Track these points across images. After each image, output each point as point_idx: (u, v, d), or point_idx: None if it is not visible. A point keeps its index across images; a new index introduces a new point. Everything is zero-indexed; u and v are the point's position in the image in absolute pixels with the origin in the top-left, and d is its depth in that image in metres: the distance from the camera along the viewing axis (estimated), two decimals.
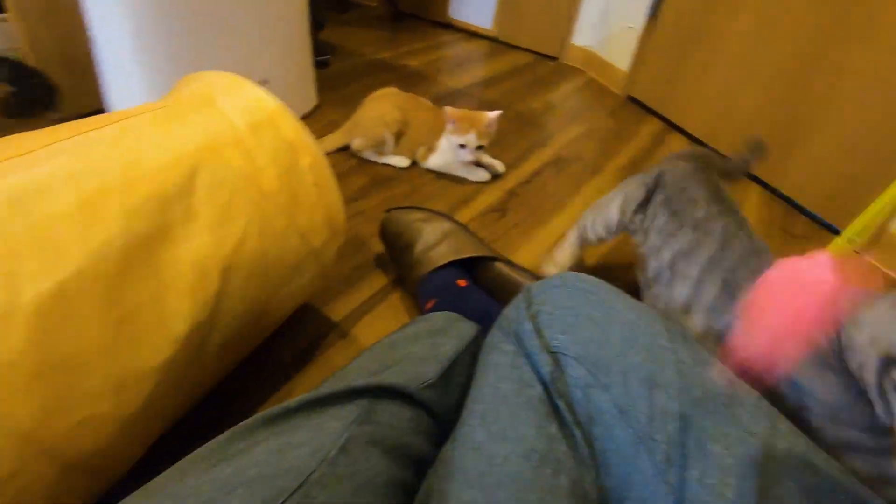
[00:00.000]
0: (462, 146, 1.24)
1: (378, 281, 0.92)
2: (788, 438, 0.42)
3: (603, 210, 0.83)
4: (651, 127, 1.84)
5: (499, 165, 1.35)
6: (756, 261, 0.65)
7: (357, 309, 0.86)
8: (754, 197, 1.48)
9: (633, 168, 1.52)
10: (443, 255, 0.79)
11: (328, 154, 1.29)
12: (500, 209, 1.21)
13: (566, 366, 0.50)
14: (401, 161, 1.30)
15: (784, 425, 0.44)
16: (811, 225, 1.38)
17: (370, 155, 1.29)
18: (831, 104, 1.33)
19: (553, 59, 2.41)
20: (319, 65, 1.82)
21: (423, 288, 0.79)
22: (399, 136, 1.27)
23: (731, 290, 0.63)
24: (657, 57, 1.90)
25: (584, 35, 2.28)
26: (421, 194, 1.22)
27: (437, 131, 1.28)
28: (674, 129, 1.84)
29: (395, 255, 0.87)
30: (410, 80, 1.88)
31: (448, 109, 1.21)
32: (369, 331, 0.83)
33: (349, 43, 2.20)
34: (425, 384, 0.53)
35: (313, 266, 0.68)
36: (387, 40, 2.33)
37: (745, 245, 0.67)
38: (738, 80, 1.58)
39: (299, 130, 0.66)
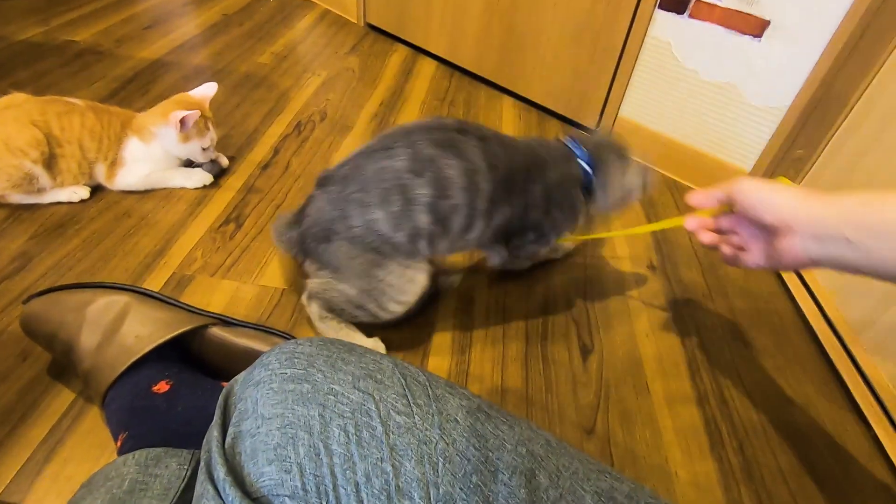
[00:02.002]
0: (206, 148, 1.00)
1: (59, 402, 0.64)
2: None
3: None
4: (398, 56, 1.68)
5: (220, 158, 1.07)
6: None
7: (28, 464, 0.58)
8: (508, 109, 1.45)
9: (386, 113, 1.36)
10: (123, 352, 0.55)
11: None
12: (234, 218, 0.96)
13: None
14: (76, 193, 0.94)
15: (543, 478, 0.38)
16: (562, 127, 1.41)
17: (23, 198, 0.90)
18: (545, 2, 1.31)
19: None
20: None
21: (108, 412, 0.55)
22: (53, 159, 0.90)
23: None
24: None
25: None
26: (120, 232, 0.90)
27: (111, 138, 0.94)
28: (420, 52, 1.71)
29: (62, 365, 0.60)
30: (81, 64, 1.40)
31: (177, 114, 0.92)
32: (59, 487, 0.57)
33: None
34: None
35: None
36: (38, 8, 1.70)
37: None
38: None
39: None
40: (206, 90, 1.01)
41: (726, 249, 0.59)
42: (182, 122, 0.93)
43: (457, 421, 0.42)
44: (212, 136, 1.00)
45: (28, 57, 1.41)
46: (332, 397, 0.41)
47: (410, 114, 1.37)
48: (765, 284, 0.98)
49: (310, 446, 0.38)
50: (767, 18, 0.99)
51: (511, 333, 0.82)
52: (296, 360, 0.44)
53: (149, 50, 1.52)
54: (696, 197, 0.59)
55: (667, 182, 1.23)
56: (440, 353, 0.77)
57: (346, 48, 1.69)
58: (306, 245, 0.69)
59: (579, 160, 0.77)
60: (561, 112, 1.42)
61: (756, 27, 1.01)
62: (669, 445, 0.69)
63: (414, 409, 0.42)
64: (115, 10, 1.73)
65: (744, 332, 0.87)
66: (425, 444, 0.39)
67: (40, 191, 0.91)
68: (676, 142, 1.21)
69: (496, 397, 0.72)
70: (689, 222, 0.61)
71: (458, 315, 0.83)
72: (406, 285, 0.69)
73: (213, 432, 0.42)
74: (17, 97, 0.92)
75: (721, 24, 1.05)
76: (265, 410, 0.41)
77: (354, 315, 0.71)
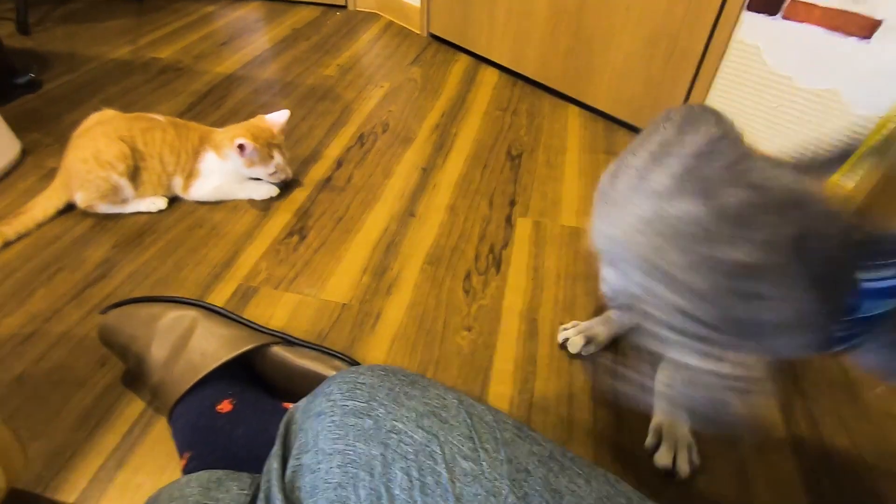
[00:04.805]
0: (272, 174, 1.02)
1: (131, 409, 0.66)
2: None
3: None
4: (460, 65, 1.67)
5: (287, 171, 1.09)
6: None
7: (101, 471, 0.60)
8: (574, 119, 1.39)
9: (448, 123, 1.35)
10: (190, 369, 0.56)
11: (45, 222, 0.94)
12: (298, 230, 0.97)
13: None
14: (155, 203, 0.99)
15: None
16: (631, 138, 1.32)
17: (109, 208, 0.96)
18: (616, 3, 1.25)
19: (341, 7, 2.10)
20: (23, 90, 1.35)
21: (174, 429, 0.56)
22: (136, 171, 0.95)
23: None
24: None
25: None
26: (192, 242, 0.93)
27: (189, 152, 0.98)
28: (483, 62, 1.69)
29: (134, 376, 0.62)
30: (163, 80, 1.49)
31: (238, 140, 0.94)
32: (128, 496, 0.58)
33: (78, 44, 1.69)
34: None
35: None
36: (128, 29, 1.84)
37: None
38: None
39: None
40: (279, 117, 1.03)
41: None
42: (241, 147, 0.95)
43: (528, 471, 0.38)
44: (277, 162, 1.01)
45: (118, 74, 1.51)
46: (394, 436, 0.39)
47: (472, 124, 1.35)
48: None
49: (371, 489, 0.36)
50: (879, 18, 0.88)
51: (577, 360, 0.76)
52: (357, 391, 0.42)
53: (223, 65, 1.59)
54: None
55: None
56: (502, 381, 0.73)
57: (409, 59, 1.70)
58: None
59: None
60: (631, 122, 1.34)
61: (864, 28, 0.90)
62: (760, 499, 0.62)
63: (481, 455, 0.39)
64: (195, 29, 1.84)
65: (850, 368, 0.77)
66: (494, 496, 0.35)
67: (124, 201, 0.96)
68: None
69: (562, 432, 0.67)
70: None
71: (521, 338, 0.79)
72: None
73: (273, 463, 0.41)
74: (106, 113, 0.98)
75: (821, 26, 0.94)
76: (326, 445, 0.39)
77: None
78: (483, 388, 0.72)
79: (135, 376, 0.64)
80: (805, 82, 1.00)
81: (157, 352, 0.58)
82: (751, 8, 1.02)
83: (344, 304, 0.83)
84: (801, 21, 0.96)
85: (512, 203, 1.07)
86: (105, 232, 0.94)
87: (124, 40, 1.74)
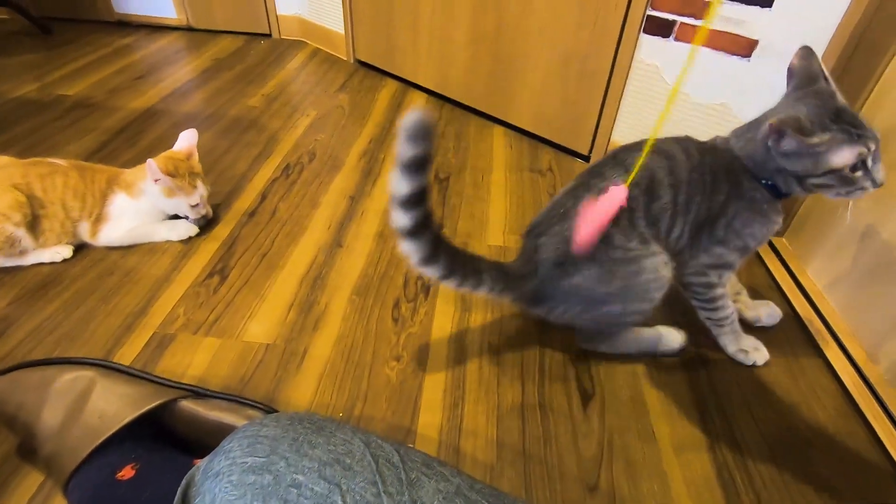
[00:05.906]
0: (195, 205, 0.98)
1: (28, 483, 0.61)
2: None
3: None
4: (388, 90, 1.68)
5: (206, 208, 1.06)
6: None
7: None
8: (499, 139, 1.44)
9: (376, 149, 1.35)
10: (87, 434, 0.52)
11: None
12: (219, 269, 0.94)
13: None
14: (59, 253, 0.93)
15: None
16: (554, 155, 1.38)
17: (4, 261, 0.89)
18: (529, 27, 1.30)
19: (266, 35, 2.08)
20: None
21: (70, 503, 0.52)
22: (36, 220, 0.89)
23: None
24: (367, 12, 1.72)
25: (290, 1, 1.99)
26: (102, 291, 0.88)
27: (96, 195, 0.93)
28: (411, 86, 1.71)
29: (26, 448, 0.57)
30: (73, 118, 1.41)
31: (152, 163, 0.90)
32: None
33: None
34: None
35: None
36: (35, 65, 1.74)
37: None
38: (445, 18, 1.48)
39: None
40: (187, 140, 1.00)
41: None
42: (158, 178, 0.91)
43: None
44: (201, 193, 0.98)
45: (22, 113, 1.42)
46: (294, 490, 0.38)
47: None
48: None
49: None
50: (755, 38, 0.97)
51: (506, 381, 0.77)
52: (258, 445, 0.41)
53: (140, 100, 1.53)
54: None
55: None
56: (431, 409, 0.73)
57: (336, 86, 1.70)
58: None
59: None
60: (552, 139, 1.40)
61: (744, 47, 0.98)
62: (680, 498, 0.64)
63: (384, 499, 0.38)
64: (109, 62, 1.76)
65: (755, 365, 0.82)
66: None
67: (22, 253, 0.90)
68: None
69: (491, 453, 0.68)
70: None
71: (450, 363, 0.80)
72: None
73: None
74: (0, 161, 0.92)
75: (708, 46, 1.03)
76: None
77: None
78: (413, 418, 0.71)
79: (27, 448, 0.59)
80: (700, 97, 1.08)
81: (50, 418, 0.54)
82: (647, 31, 1.10)
83: (268, 344, 0.81)
84: (691, 42, 1.04)
85: (440, 226, 1.08)
86: (1, 287, 0.87)
87: (30, 76, 1.64)
